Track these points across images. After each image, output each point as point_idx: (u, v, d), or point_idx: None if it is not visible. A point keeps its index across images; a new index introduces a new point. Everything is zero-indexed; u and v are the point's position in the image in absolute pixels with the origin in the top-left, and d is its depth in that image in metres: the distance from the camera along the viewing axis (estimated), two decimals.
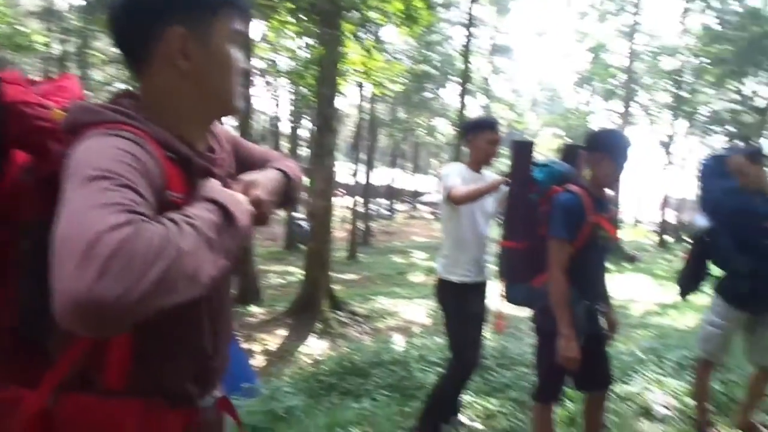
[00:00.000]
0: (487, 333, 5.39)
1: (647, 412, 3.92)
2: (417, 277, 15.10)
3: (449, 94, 37.31)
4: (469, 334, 3.34)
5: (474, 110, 36.34)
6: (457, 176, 3.35)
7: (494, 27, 35.77)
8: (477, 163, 3.44)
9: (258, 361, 7.20)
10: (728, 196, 3.44)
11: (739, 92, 31.78)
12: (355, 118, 26.49)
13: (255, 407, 3.97)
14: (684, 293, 3.86)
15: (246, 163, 1.31)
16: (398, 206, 44.42)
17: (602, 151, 2.77)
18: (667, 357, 5.05)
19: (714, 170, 3.61)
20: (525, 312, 3.13)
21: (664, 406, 3.98)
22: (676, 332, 6.66)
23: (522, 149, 2.93)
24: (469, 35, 20.27)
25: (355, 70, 11.92)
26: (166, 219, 0.82)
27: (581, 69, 34.78)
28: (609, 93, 34.28)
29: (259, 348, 7.77)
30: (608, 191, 2.95)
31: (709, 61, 28.60)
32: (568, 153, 3.26)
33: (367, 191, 25.46)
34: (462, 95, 18.91)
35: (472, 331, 3.37)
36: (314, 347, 7.76)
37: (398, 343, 5.37)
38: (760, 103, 29.59)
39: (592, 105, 37.19)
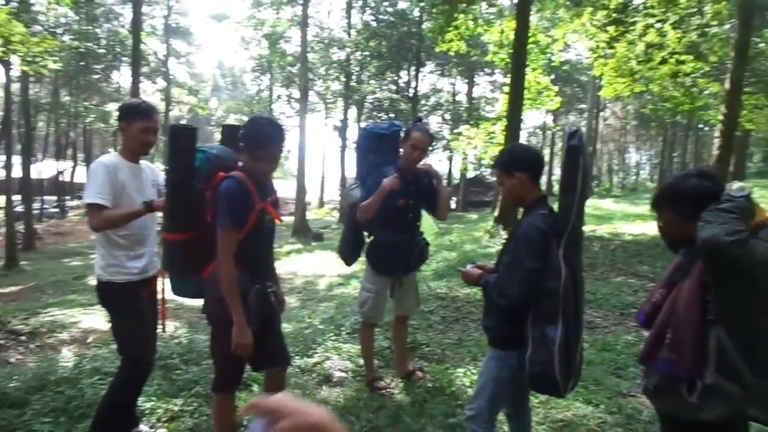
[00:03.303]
0: (170, 329, 5.13)
1: (327, 379, 4.20)
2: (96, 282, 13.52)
3: (123, 76, 34.34)
4: (140, 335, 3.07)
5: (151, 95, 34.15)
6: (103, 173, 2.95)
7: (168, 6, 33.97)
8: (132, 153, 3.11)
9: None
10: (373, 171, 3.83)
11: (396, 83, 36.57)
12: (0, 101, 22.29)
13: None
14: (348, 262, 4.22)
15: None
16: (71, 203, 39.38)
17: (249, 146, 2.72)
18: (345, 324, 5.50)
19: (367, 145, 3.97)
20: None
21: (342, 371, 4.33)
22: (354, 300, 7.30)
23: (182, 136, 2.74)
24: (139, 12, 18.74)
25: None
26: None
27: (260, 56, 35.53)
28: (287, 80, 35.86)
29: None
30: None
31: (369, 54, 32.01)
32: (228, 134, 3.20)
33: (27, 187, 21.76)
34: (135, 78, 17.42)
35: (143, 331, 3.10)
36: None
37: (67, 358, 4.70)
38: (412, 93, 34.38)
39: (273, 92, 38.40)
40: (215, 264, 2.73)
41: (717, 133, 12.15)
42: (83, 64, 28.42)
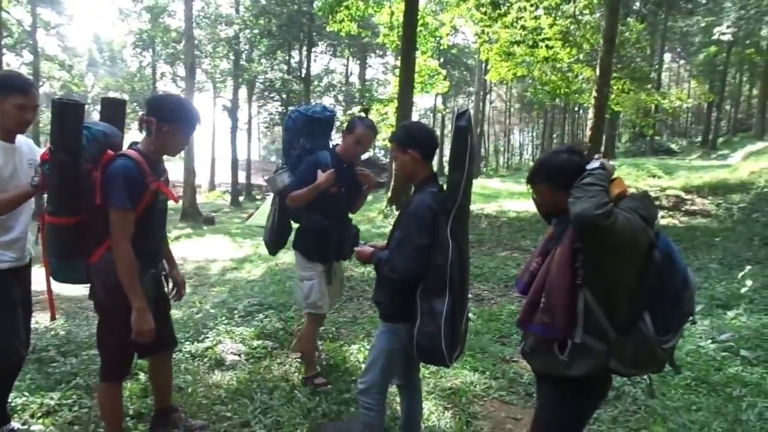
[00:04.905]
0: (44, 320, 4.77)
1: (220, 363, 4.11)
2: None
3: None
4: (9, 327, 2.83)
5: (18, 68, 31.07)
6: None
7: None
8: (6, 132, 2.79)
9: None
10: (304, 155, 3.67)
11: (287, 63, 35.93)
12: None
13: None
14: (273, 251, 4.01)
15: None
16: None
17: (168, 121, 2.62)
18: (237, 307, 5.40)
19: (299, 128, 3.74)
20: (83, 290, 2.83)
21: (235, 354, 4.26)
22: (248, 283, 7.18)
23: (68, 112, 2.52)
24: None
25: None
26: None
27: (140, 30, 33.40)
28: (172, 57, 34.05)
29: None
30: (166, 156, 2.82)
31: (258, 32, 31.17)
32: (110, 109, 3.00)
33: None
34: None
35: (13, 323, 2.86)
36: None
37: None
38: (304, 73, 33.95)
39: (157, 69, 36.32)
40: (104, 248, 2.59)
41: (590, 115, 13.11)
42: None
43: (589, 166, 1.99)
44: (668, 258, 1.96)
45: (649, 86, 22.41)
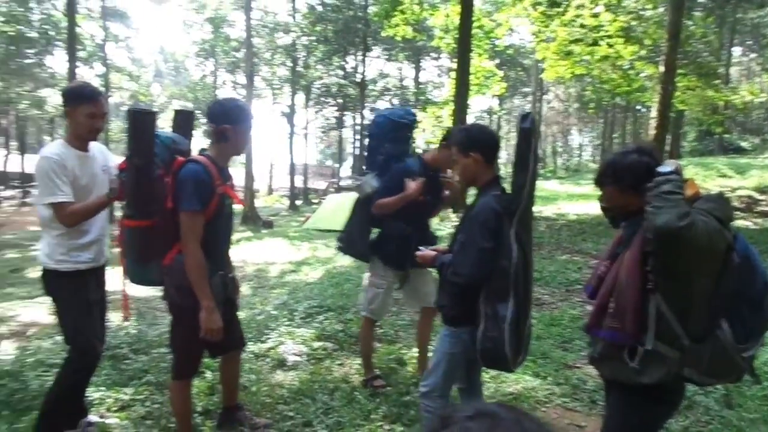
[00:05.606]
0: (118, 320, 5.00)
1: (282, 364, 4.21)
2: (39, 273, 12.95)
3: (59, 61, 32.81)
4: (88, 325, 2.99)
5: (90, 80, 32.71)
6: (53, 169, 2.79)
7: None
8: (78, 140, 2.96)
9: None
10: (391, 161, 3.66)
11: (343, 68, 36.34)
12: None
13: None
14: (364, 257, 3.96)
15: None
16: (5, 193, 37.59)
17: (227, 123, 2.75)
18: (297, 309, 5.50)
19: (383, 133, 3.74)
20: (152, 291, 2.96)
21: (296, 355, 4.34)
22: (306, 285, 7.30)
23: (142, 120, 2.66)
24: None
25: None
26: None
27: (203, 40, 34.60)
28: (232, 65, 35.07)
29: None
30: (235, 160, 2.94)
31: (315, 38, 31.64)
32: (181, 120, 3.14)
33: None
34: (71, 62, 16.68)
35: (91, 321, 3.02)
36: None
37: (7, 351, 4.53)
38: (359, 78, 34.21)
39: (218, 77, 37.52)
40: (175, 250, 2.71)
41: (653, 114, 12.63)
42: (14, 48, 26.94)
43: (664, 170, 1.90)
44: (747, 261, 1.87)
45: (717, 82, 21.41)
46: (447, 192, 3.75)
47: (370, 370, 3.89)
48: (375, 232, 3.89)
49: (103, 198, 2.89)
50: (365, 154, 3.99)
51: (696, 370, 1.89)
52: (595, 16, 14.33)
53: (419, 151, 3.78)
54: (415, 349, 4.37)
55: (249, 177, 22.42)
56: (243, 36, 25.73)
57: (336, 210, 16.42)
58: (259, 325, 5.00)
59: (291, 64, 33.18)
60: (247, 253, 11.54)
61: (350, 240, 3.92)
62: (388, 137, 3.72)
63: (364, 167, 4.00)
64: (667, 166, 1.92)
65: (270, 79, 36.35)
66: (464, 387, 2.90)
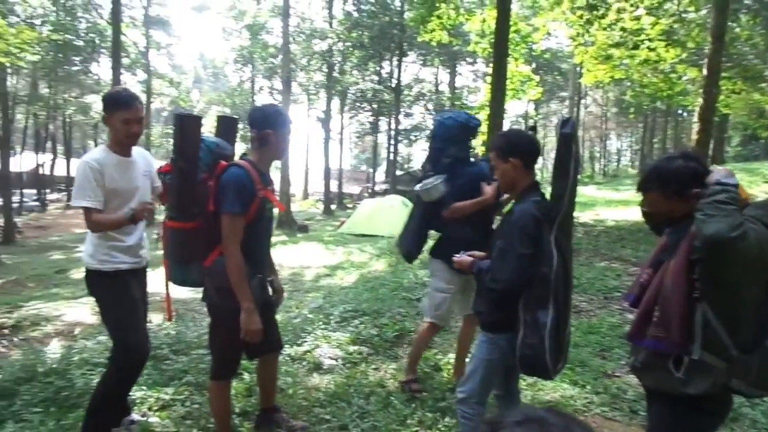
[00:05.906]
0: (158, 320, 5.12)
1: (318, 367, 4.23)
2: (82, 274, 13.33)
3: (103, 68, 33.82)
4: (132, 323, 3.07)
5: (132, 86, 33.64)
6: (89, 174, 2.88)
7: None
8: (119, 145, 3.03)
9: None
10: (458, 165, 3.65)
11: (378, 74, 36.52)
12: None
13: None
14: (412, 259, 4.00)
15: None
16: (51, 196, 38.92)
17: (268, 128, 2.81)
18: (333, 313, 5.53)
19: (450, 136, 3.69)
20: (190, 293, 3.03)
21: (332, 359, 4.37)
22: (341, 290, 7.34)
23: (188, 124, 2.74)
24: (118, 3, 18.45)
25: None
26: None
27: (241, 47, 35.22)
28: (270, 71, 35.59)
29: None
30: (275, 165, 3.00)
31: (351, 44, 31.88)
32: (225, 126, 3.21)
33: (5, 180, 21.41)
34: (115, 69, 17.20)
35: (135, 320, 3.10)
36: None
37: (55, 350, 4.68)
38: (394, 83, 34.33)
39: (255, 83, 38.13)
40: (216, 252, 2.76)
41: (695, 118, 12.29)
42: (61, 55, 27.94)
43: (725, 180, 1.84)
44: None
45: (764, 85, 20.74)
46: (506, 196, 3.65)
47: (413, 372, 3.89)
48: (434, 236, 3.87)
49: (122, 218, 2.97)
50: (427, 156, 3.92)
51: (744, 381, 1.84)
52: (636, 19, 14.05)
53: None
54: (451, 355, 4.35)
55: (285, 181, 22.69)
56: (280, 42, 26.11)
57: (371, 215, 16.49)
58: (296, 329, 5.04)
59: (327, 70, 33.49)
60: (282, 256, 11.66)
61: (408, 243, 3.90)
62: (454, 140, 3.68)
63: (422, 169, 3.95)
64: (729, 177, 1.86)
65: (306, 84, 36.76)
66: (501, 394, 2.87)
